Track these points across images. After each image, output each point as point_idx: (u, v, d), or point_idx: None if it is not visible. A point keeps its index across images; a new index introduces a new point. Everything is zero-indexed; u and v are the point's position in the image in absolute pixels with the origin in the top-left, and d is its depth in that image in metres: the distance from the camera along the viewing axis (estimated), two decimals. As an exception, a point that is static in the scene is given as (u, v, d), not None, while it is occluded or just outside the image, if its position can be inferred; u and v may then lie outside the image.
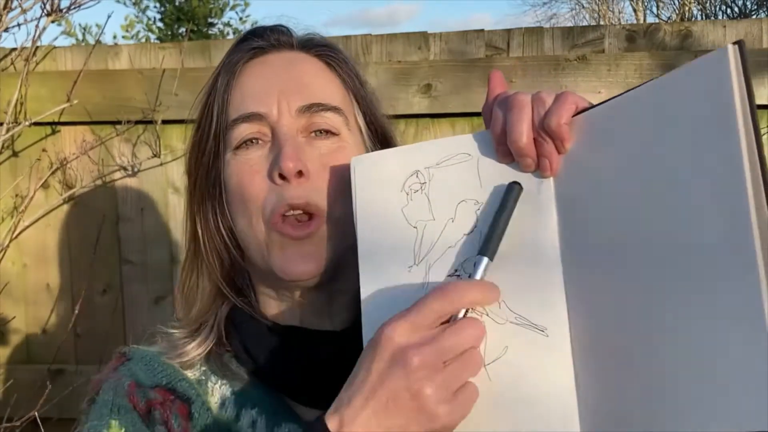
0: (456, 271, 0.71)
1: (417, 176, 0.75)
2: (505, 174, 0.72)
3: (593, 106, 0.68)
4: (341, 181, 0.82)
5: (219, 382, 0.88)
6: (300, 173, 0.81)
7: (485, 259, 0.68)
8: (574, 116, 0.68)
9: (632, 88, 0.65)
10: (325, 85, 0.88)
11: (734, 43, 0.56)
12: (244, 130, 0.84)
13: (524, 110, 0.69)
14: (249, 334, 0.87)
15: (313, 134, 0.85)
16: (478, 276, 0.68)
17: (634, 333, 0.63)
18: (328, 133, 0.85)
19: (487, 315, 0.69)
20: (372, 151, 0.90)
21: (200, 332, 0.89)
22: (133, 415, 0.83)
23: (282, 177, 0.81)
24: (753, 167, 0.54)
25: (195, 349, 0.88)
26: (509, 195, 0.70)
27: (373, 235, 0.76)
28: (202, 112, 0.90)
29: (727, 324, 0.55)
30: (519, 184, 0.70)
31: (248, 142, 0.85)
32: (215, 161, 0.87)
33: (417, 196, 0.75)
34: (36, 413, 1.83)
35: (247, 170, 0.84)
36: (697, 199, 0.58)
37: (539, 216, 0.70)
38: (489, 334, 0.69)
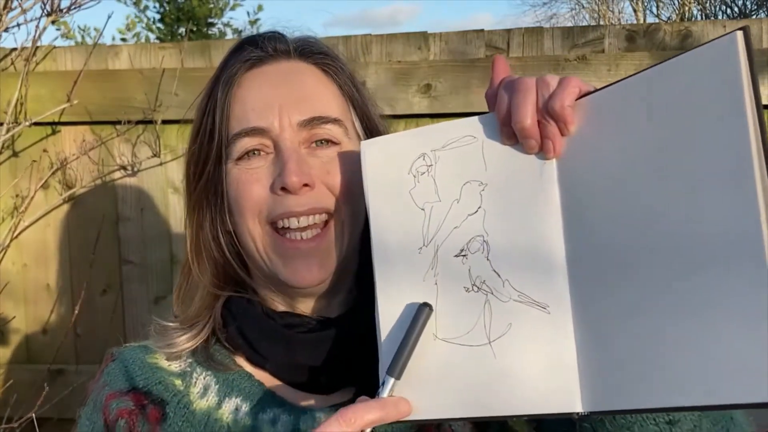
0: (462, 251, 0.73)
1: (424, 159, 0.77)
2: (509, 156, 0.73)
3: (597, 90, 0.69)
4: (345, 185, 0.85)
5: (204, 372, 0.91)
6: (306, 185, 0.83)
7: (392, 380, 0.72)
8: (578, 99, 0.69)
9: (636, 72, 0.66)
10: (324, 96, 0.89)
11: (740, 29, 0.57)
12: (246, 143, 0.86)
13: (529, 92, 0.70)
14: (246, 319, 0.90)
15: (314, 144, 0.87)
16: (384, 394, 0.71)
17: (636, 310, 0.64)
18: (329, 142, 0.87)
19: (492, 293, 0.71)
20: None
21: (194, 327, 0.92)
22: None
23: (284, 189, 0.83)
24: (759, 153, 0.55)
25: (185, 342, 0.91)
26: (419, 316, 0.72)
27: (384, 219, 0.78)
28: (200, 121, 0.90)
29: (730, 306, 0.57)
30: (429, 305, 0.73)
31: (250, 153, 0.86)
32: (215, 170, 0.88)
33: (424, 178, 0.77)
34: (34, 414, 1.82)
35: (247, 179, 0.86)
36: (704, 184, 0.59)
37: (542, 197, 0.71)
38: (494, 312, 0.71)
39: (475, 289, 0.72)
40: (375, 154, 0.80)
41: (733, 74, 0.57)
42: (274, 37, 0.91)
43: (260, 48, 0.89)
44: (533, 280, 0.70)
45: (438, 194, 0.76)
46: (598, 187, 0.68)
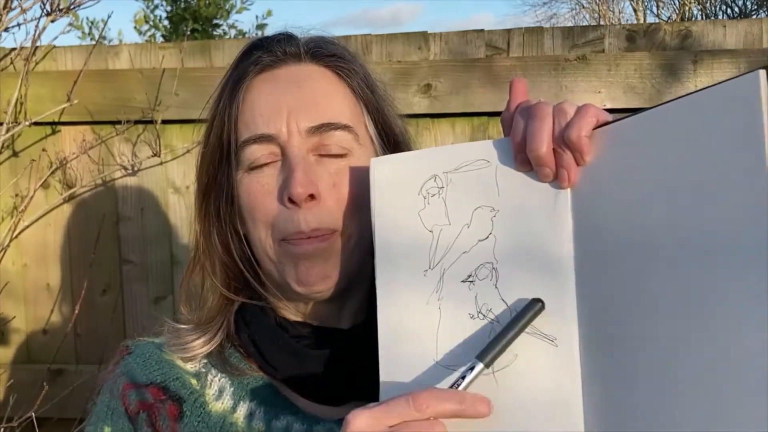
0: (469, 277, 0.72)
1: (435, 180, 0.75)
2: (522, 183, 0.72)
3: (615, 121, 0.68)
4: (352, 199, 0.84)
5: (219, 375, 0.90)
6: (311, 196, 0.82)
7: (481, 366, 0.67)
8: (595, 129, 0.68)
9: (654, 106, 0.65)
10: (334, 101, 0.87)
11: (764, 67, 0.56)
12: (255, 152, 0.85)
13: (545, 120, 0.69)
14: (259, 328, 0.89)
15: (323, 151, 0.85)
16: (466, 381, 0.67)
17: (647, 350, 0.62)
18: (338, 155, 0.85)
19: (498, 322, 0.70)
20: None
21: (208, 331, 0.91)
22: (124, 419, 0.86)
23: (291, 201, 0.82)
24: None
25: (200, 347, 0.90)
26: (528, 310, 0.69)
27: (390, 238, 0.76)
28: (210, 125, 0.90)
29: (743, 334, 0.56)
30: (542, 301, 0.69)
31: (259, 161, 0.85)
32: (225, 176, 0.87)
33: (434, 200, 0.75)
34: (34, 414, 1.82)
35: (258, 190, 0.85)
36: (719, 220, 0.58)
37: (554, 226, 0.70)
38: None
39: (481, 316, 0.70)
40: (384, 172, 0.78)
41: (752, 114, 0.56)
42: (285, 39, 0.89)
43: (270, 51, 0.88)
44: (542, 311, 0.69)
45: (448, 217, 0.74)
46: (613, 220, 0.66)
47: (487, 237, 0.72)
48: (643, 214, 0.64)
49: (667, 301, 0.61)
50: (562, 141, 0.68)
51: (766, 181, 0.55)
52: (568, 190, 0.70)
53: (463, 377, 0.67)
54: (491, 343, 0.68)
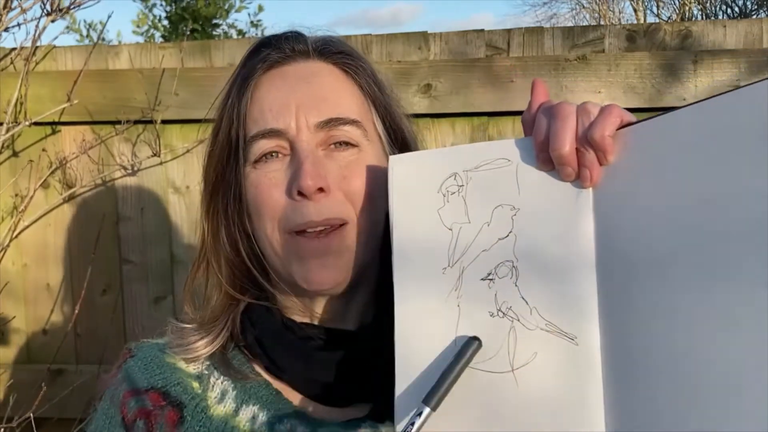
0: (489, 275, 0.72)
1: (455, 178, 0.75)
2: (544, 182, 0.72)
3: (639, 122, 0.68)
4: (362, 192, 0.84)
5: (221, 377, 0.89)
6: (321, 189, 0.82)
7: (427, 410, 0.69)
8: (618, 129, 0.68)
9: (677, 108, 0.65)
10: (343, 97, 0.87)
11: None
12: (263, 146, 0.85)
13: (569, 119, 0.69)
14: (265, 329, 0.88)
15: (332, 146, 0.85)
16: (416, 427, 0.68)
17: (669, 348, 0.62)
18: (348, 144, 0.85)
19: (518, 320, 0.70)
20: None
21: (212, 331, 0.90)
22: (121, 428, 0.87)
23: (301, 194, 0.82)
24: None
25: (203, 348, 0.90)
26: (466, 349, 0.70)
27: (408, 235, 0.76)
28: (218, 123, 0.90)
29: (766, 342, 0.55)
30: (478, 339, 0.70)
31: (267, 155, 0.85)
32: (233, 172, 0.87)
33: (454, 198, 0.75)
34: (32, 414, 1.82)
35: (265, 183, 0.85)
36: (744, 226, 0.58)
37: (576, 225, 0.70)
38: (519, 340, 0.69)
39: (501, 314, 0.70)
40: (403, 170, 0.78)
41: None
42: (293, 37, 0.90)
43: (279, 48, 0.88)
44: (562, 309, 0.69)
45: (468, 215, 0.74)
46: (635, 221, 0.66)
47: (507, 235, 0.72)
48: (666, 218, 0.64)
49: (689, 306, 0.61)
50: (586, 140, 0.68)
51: None
52: (590, 189, 0.70)
53: (412, 424, 0.68)
54: (435, 386, 0.69)
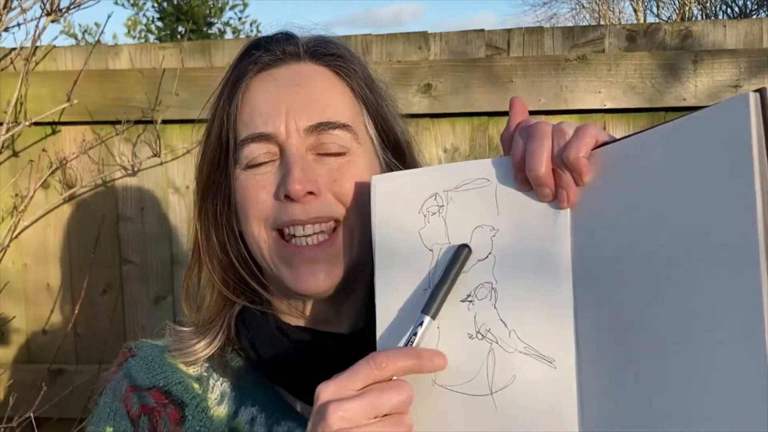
0: (468, 296, 0.72)
1: (435, 199, 0.75)
2: (522, 202, 0.72)
3: (613, 141, 0.68)
4: (351, 195, 0.84)
5: (220, 379, 0.89)
6: (311, 193, 0.82)
7: (427, 319, 0.69)
8: (594, 150, 0.68)
9: (651, 127, 0.65)
10: (333, 100, 0.87)
11: (755, 91, 0.56)
12: (253, 150, 0.85)
13: (544, 140, 0.69)
14: (258, 332, 0.88)
15: (322, 154, 0.85)
16: (418, 336, 0.69)
17: (644, 374, 0.62)
18: (337, 154, 0.85)
19: (497, 343, 0.70)
20: (384, 159, 0.90)
21: (209, 333, 0.91)
22: (126, 421, 0.86)
23: (288, 198, 0.82)
24: (765, 218, 0.54)
25: (201, 350, 0.90)
26: (458, 257, 0.71)
27: (390, 256, 0.76)
28: (210, 125, 0.90)
29: (732, 350, 0.55)
30: (468, 246, 0.71)
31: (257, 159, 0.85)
32: (223, 174, 0.88)
33: (434, 218, 0.75)
34: (32, 414, 1.82)
35: (253, 185, 0.85)
36: (714, 240, 0.58)
37: (554, 246, 0.70)
38: (497, 363, 0.69)
39: (480, 336, 0.70)
40: (385, 189, 0.78)
41: (742, 137, 0.55)
42: (284, 38, 0.89)
43: (269, 51, 0.88)
44: (541, 332, 0.69)
45: (448, 236, 0.74)
46: (611, 240, 0.66)
47: (487, 257, 0.72)
48: (640, 236, 0.64)
49: (664, 321, 0.61)
50: (561, 161, 0.68)
51: (755, 205, 0.54)
52: (568, 210, 0.70)
53: (415, 334, 0.69)
54: (432, 296, 0.70)
